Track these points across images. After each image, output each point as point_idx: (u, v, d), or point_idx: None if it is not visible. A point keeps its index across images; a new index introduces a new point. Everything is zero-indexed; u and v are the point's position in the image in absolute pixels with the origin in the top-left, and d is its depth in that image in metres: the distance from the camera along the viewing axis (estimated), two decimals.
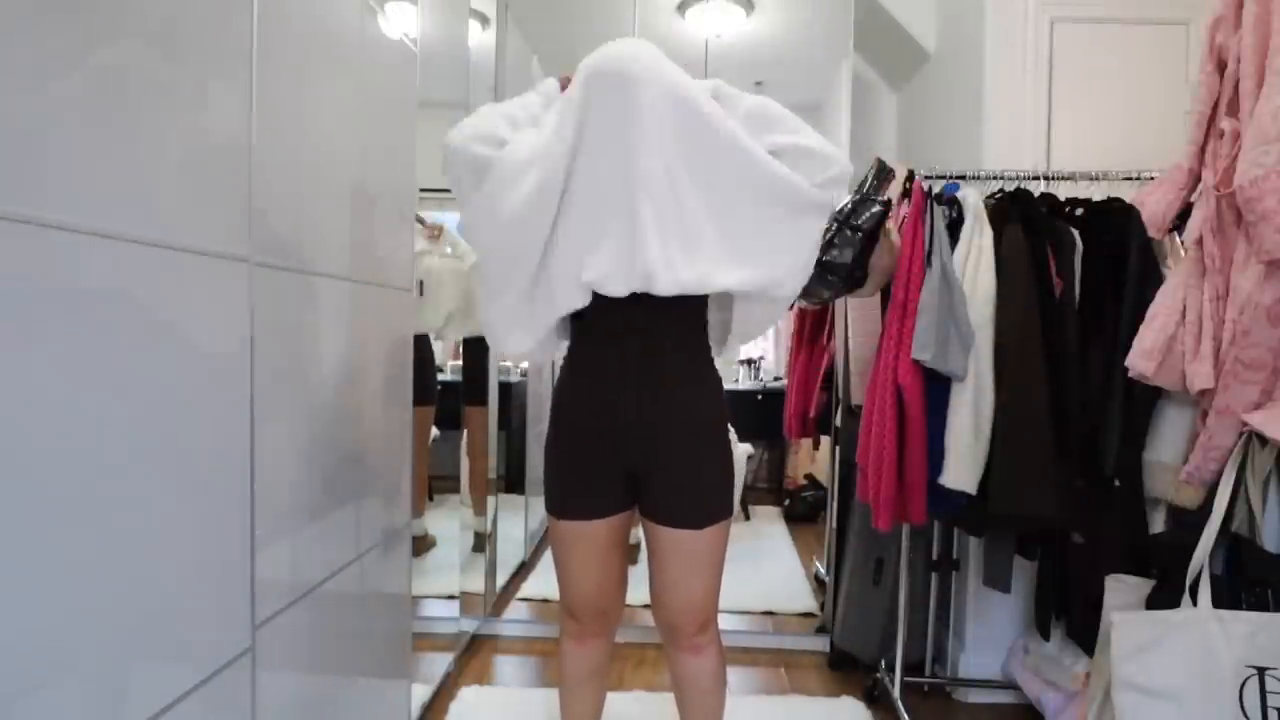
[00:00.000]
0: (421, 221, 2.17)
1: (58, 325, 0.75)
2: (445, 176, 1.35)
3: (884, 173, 1.88)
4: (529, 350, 1.39)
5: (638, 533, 1.49)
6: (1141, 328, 1.61)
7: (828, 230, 1.83)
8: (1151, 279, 1.72)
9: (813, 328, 2.77)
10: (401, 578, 1.72)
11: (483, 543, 2.67)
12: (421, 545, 2.39)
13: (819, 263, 1.80)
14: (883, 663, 2.24)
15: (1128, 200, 1.83)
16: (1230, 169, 1.42)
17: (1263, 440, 1.41)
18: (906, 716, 2.01)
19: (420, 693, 2.00)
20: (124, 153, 0.84)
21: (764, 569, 3.11)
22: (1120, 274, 1.75)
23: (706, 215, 1.26)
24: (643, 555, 1.49)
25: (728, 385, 1.45)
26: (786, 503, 3.75)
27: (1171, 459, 1.68)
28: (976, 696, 2.20)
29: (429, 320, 2.47)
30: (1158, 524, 1.76)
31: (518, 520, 3.16)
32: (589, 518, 1.40)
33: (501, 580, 2.80)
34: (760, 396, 3.73)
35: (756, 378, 4.14)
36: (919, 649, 2.25)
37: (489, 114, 1.33)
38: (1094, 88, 2.16)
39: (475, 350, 2.65)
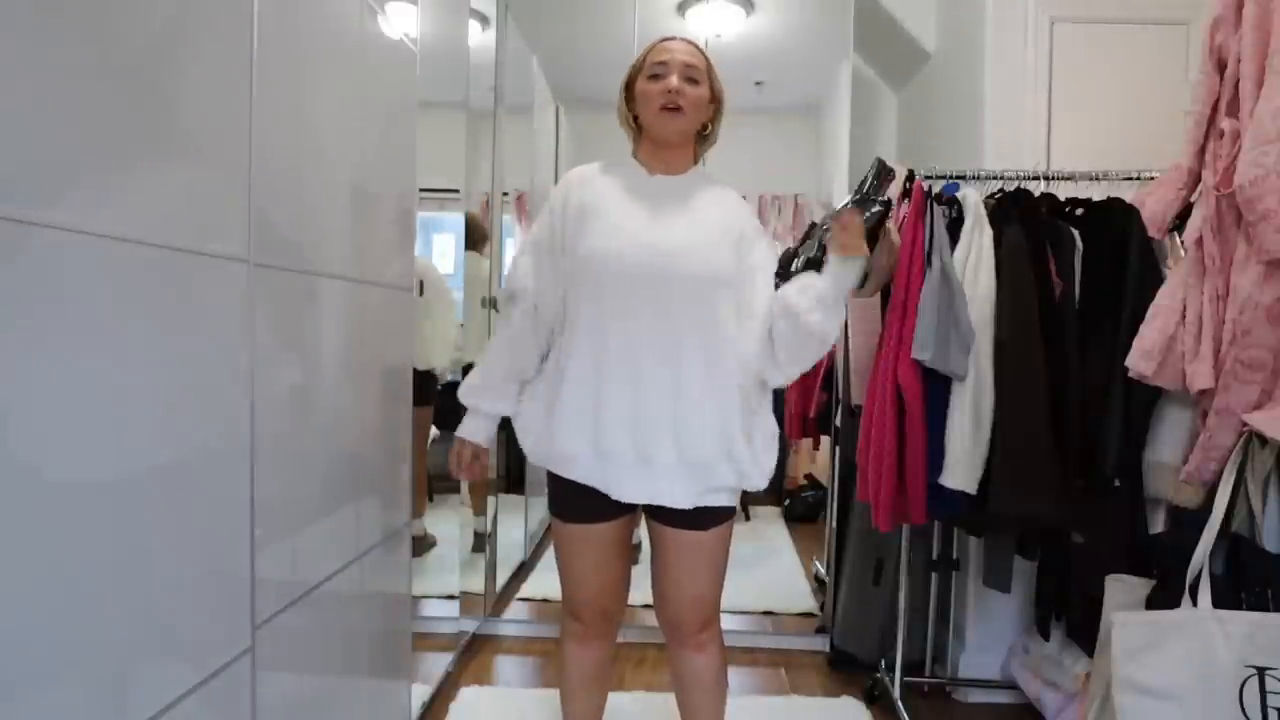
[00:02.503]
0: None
1: (57, 325, 0.75)
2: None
3: (884, 173, 1.88)
4: None
5: (639, 532, 1.49)
6: (1141, 328, 1.61)
7: (828, 230, 1.83)
8: (1151, 279, 1.72)
9: None
10: (401, 578, 1.72)
11: (483, 543, 2.67)
12: (421, 545, 2.38)
13: (819, 263, 1.80)
14: (883, 663, 2.24)
15: (1128, 200, 1.83)
16: (1230, 169, 1.42)
17: (1263, 440, 1.41)
18: (906, 716, 2.01)
19: (420, 693, 1.99)
20: (124, 153, 0.84)
21: (764, 569, 3.11)
22: (1120, 274, 1.75)
23: None
24: (644, 554, 1.49)
25: None
26: (786, 503, 3.75)
27: (1171, 459, 1.68)
28: (976, 696, 2.20)
29: (432, 355, 2.37)
30: (1158, 524, 1.76)
31: (518, 520, 3.15)
32: (593, 520, 1.40)
33: (501, 580, 2.80)
34: None
35: None
36: (919, 649, 2.25)
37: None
38: (1094, 88, 2.16)
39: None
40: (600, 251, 1.33)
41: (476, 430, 1.45)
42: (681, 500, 1.34)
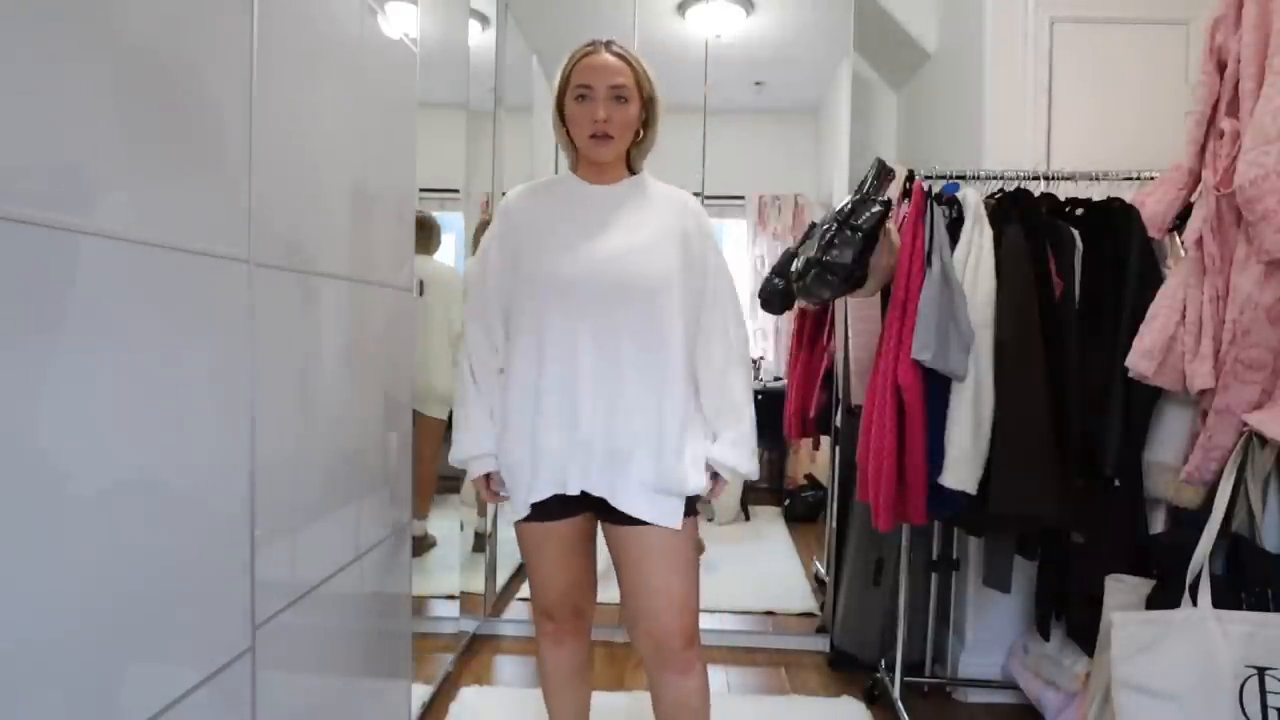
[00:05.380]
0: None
1: (58, 325, 0.75)
2: None
3: (884, 173, 1.88)
4: None
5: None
6: (1141, 328, 1.61)
7: (828, 230, 1.83)
8: (1151, 279, 1.72)
9: (813, 328, 2.77)
10: (401, 578, 1.72)
11: (483, 543, 2.67)
12: (421, 545, 2.39)
13: (819, 263, 1.81)
14: (883, 663, 2.24)
15: (1128, 200, 1.83)
16: (1230, 169, 1.42)
17: (1263, 440, 1.41)
18: (906, 716, 2.01)
19: (420, 693, 2.00)
20: (124, 153, 0.84)
21: (764, 569, 3.11)
22: (1120, 274, 1.75)
23: None
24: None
25: None
26: (787, 503, 3.74)
27: (1171, 459, 1.68)
28: (976, 696, 2.20)
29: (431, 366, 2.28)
30: (1158, 524, 1.76)
31: None
32: (550, 519, 1.40)
33: (501, 580, 2.80)
34: (760, 396, 3.73)
35: (756, 378, 4.14)
36: (919, 649, 2.25)
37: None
38: (1094, 88, 2.16)
39: None
40: (541, 270, 1.36)
41: (482, 467, 1.44)
42: (598, 485, 1.33)
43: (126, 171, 0.84)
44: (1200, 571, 1.40)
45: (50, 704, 0.76)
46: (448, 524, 2.51)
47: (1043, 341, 1.73)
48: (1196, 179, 1.59)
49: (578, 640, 1.53)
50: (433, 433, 2.05)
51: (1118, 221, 1.79)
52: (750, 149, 3.10)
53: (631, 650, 2.42)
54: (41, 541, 0.74)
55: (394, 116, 1.60)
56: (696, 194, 1.82)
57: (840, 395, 2.46)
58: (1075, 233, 1.82)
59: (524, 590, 2.90)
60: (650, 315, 1.34)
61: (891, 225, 1.89)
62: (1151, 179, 1.84)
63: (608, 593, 1.54)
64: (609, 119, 1.33)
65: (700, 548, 1.56)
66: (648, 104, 1.39)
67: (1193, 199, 1.62)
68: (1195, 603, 1.39)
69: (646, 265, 1.35)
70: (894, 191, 1.92)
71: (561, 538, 1.42)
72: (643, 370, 1.34)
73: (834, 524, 2.50)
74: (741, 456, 1.40)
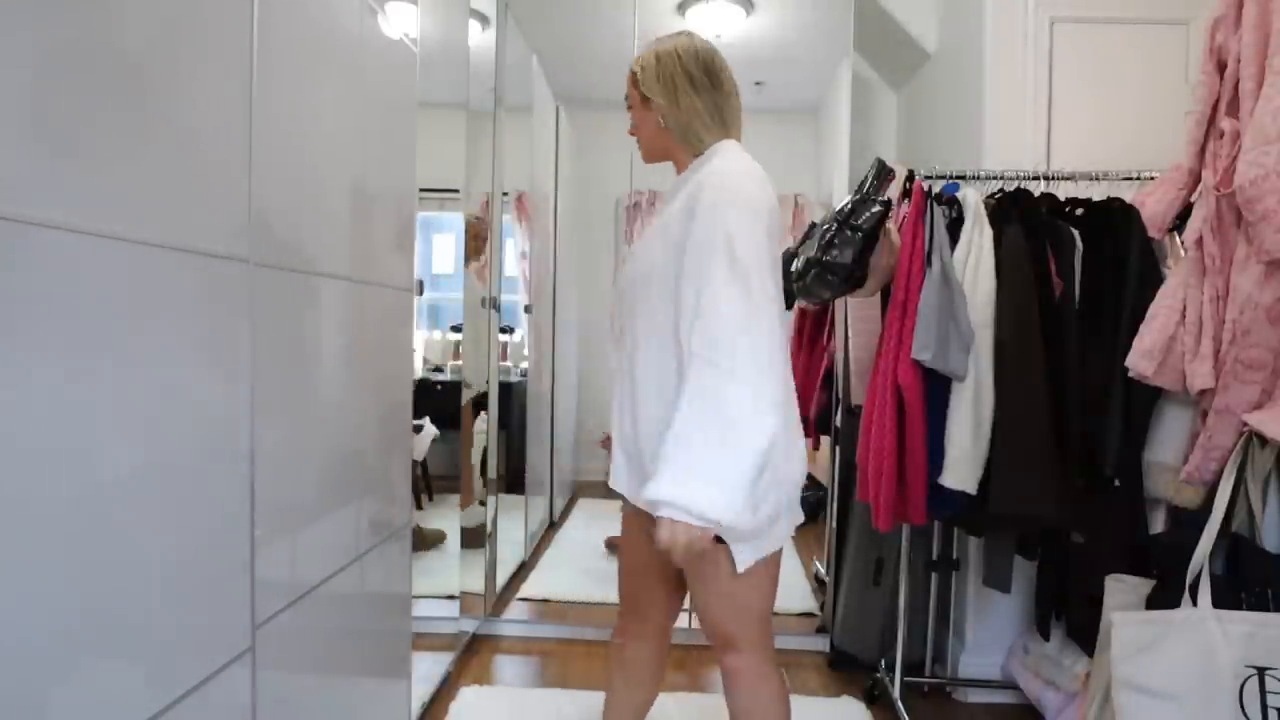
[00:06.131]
0: None
1: (58, 325, 0.75)
2: None
3: (884, 173, 1.88)
4: None
5: None
6: (1141, 328, 1.61)
7: (828, 230, 1.83)
8: (1151, 279, 1.72)
9: (813, 328, 2.77)
10: (401, 578, 1.72)
11: (479, 539, 2.67)
12: (430, 540, 2.39)
13: (819, 263, 1.81)
14: (883, 663, 2.24)
15: (1128, 200, 1.83)
16: (1230, 169, 1.42)
17: (1263, 440, 1.41)
18: (906, 716, 2.01)
19: (420, 693, 1.99)
20: (124, 153, 0.84)
21: None
22: (1120, 274, 1.75)
23: None
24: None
25: None
26: None
27: (1171, 459, 1.68)
28: (976, 696, 2.20)
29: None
30: (1158, 524, 1.76)
31: (518, 520, 3.15)
32: (626, 506, 1.44)
33: (501, 580, 2.80)
34: None
35: None
36: (919, 649, 2.25)
37: None
38: (1094, 88, 2.16)
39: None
40: None
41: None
42: (624, 485, 1.37)
43: (124, 171, 0.84)
44: (1200, 571, 1.40)
45: (50, 704, 0.76)
46: (447, 524, 2.51)
47: (1043, 341, 1.73)
48: (1196, 179, 1.59)
49: (640, 644, 1.49)
50: None
51: (1118, 221, 1.80)
52: (750, 149, 3.09)
53: None
54: (42, 542, 0.74)
55: (394, 116, 1.60)
56: None
57: (840, 395, 2.46)
58: (1075, 233, 1.82)
59: (524, 590, 2.90)
60: (635, 317, 1.33)
61: (891, 225, 1.89)
62: (1151, 179, 1.84)
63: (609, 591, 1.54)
64: (631, 130, 1.43)
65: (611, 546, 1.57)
66: (645, 102, 1.36)
67: (1193, 199, 1.62)
68: (1195, 603, 1.39)
69: (631, 263, 1.38)
70: (894, 191, 1.92)
71: (629, 525, 1.45)
72: (643, 373, 1.31)
73: (834, 524, 2.50)
74: (664, 488, 1.12)
